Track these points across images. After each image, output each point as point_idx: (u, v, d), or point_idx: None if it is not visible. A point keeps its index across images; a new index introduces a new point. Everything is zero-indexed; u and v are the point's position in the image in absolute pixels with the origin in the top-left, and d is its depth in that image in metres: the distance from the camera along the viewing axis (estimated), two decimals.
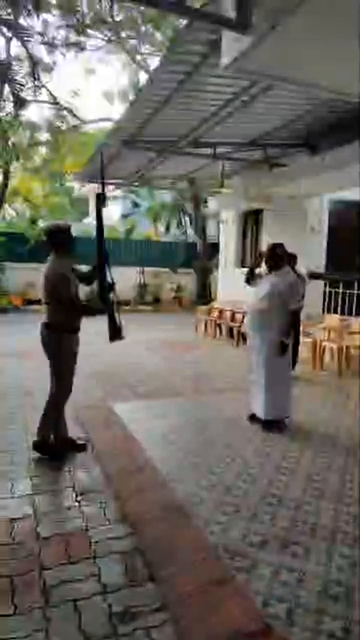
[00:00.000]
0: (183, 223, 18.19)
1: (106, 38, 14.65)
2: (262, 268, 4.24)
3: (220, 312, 9.51)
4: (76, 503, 2.75)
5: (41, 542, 2.37)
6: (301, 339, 6.31)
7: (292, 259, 5.61)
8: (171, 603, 1.96)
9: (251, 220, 9.83)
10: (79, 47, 14.22)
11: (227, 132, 6.66)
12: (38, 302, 14.56)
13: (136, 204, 19.44)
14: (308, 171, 6.39)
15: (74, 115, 16.30)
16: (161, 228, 18.68)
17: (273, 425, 4.05)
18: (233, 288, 9.29)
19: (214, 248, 14.45)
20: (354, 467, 3.35)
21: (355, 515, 2.69)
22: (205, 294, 15.58)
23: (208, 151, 7.29)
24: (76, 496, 2.84)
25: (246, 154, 7.80)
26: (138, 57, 15.77)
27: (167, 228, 18.52)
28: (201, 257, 15.76)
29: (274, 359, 3.99)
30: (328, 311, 7.57)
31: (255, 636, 1.79)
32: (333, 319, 7.13)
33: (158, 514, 2.65)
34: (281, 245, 4.17)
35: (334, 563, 2.25)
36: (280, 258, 4.11)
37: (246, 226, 10.04)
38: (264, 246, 4.84)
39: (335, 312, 7.34)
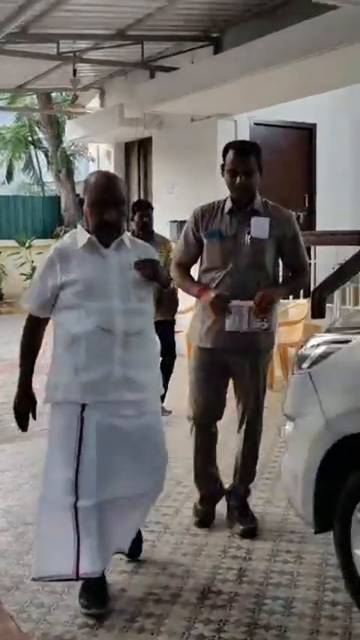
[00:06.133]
0: (37, 165, 13.95)
1: None
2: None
3: None
4: None
5: None
6: None
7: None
8: None
9: (135, 156, 7.71)
10: None
11: (78, 18, 5.01)
12: None
13: None
14: (210, 78, 4.69)
15: None
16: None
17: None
18: None
19: None
20: None
21: None
22: None
23: (52, 48, 5.37)
24: None
25: (111, 52, 6.12)
26: None
27: (9, 174, 14.03)
28: (69, 218, 10.91)
29: None
30: None
31: None
32: None
33: None
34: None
35: None
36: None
37: (128, 166, 7.84)
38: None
39: None
